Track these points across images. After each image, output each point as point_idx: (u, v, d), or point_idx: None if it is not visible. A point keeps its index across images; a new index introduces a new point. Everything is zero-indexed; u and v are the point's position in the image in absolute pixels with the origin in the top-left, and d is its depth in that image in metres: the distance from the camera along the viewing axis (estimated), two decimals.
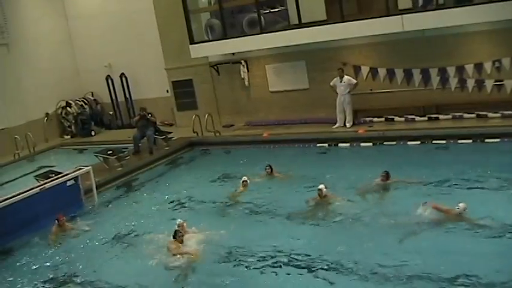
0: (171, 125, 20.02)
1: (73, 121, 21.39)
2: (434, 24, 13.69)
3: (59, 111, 21.73)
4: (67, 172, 12.56)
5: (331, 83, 15.71)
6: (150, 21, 19.38)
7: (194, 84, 19.24)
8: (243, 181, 12.13)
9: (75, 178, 12.33)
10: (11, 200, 10.84)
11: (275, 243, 9.24)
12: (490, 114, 14.10)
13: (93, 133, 21.25)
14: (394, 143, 14.22)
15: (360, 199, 10.71)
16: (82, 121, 21.32)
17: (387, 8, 14.09)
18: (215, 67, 18.58)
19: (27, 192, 11.20)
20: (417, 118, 15.03)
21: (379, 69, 15.77)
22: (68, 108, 21.47)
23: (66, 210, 11.86)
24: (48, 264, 9.87)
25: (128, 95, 21.59)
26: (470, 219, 8.85)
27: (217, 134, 17.28)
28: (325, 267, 8.26)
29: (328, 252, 8.67)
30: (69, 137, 21.51)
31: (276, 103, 17.79)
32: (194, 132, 17.17)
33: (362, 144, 14.67)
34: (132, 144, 16.50)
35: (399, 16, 13.88)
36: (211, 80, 18.87)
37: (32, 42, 20.93)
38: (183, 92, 19.47)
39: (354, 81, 15.56)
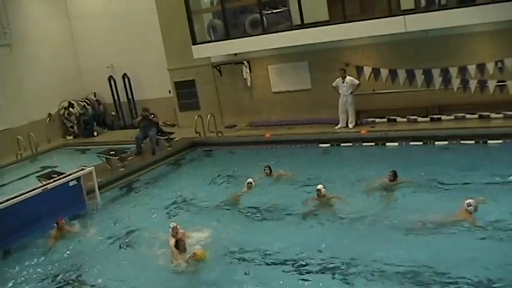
0: (173, 125, 20.02)
1: (75, 121, 21.41)
2: (436, 25, 13.67)
3: (62, 111, 21.76)
4: (69, 172, 12.56)
5: (334, 84, 15.69)
6: (153, 22, 19.37)
7: (196, 85, 19.23)
8: (248, 183, 12.10)
9: (78, 178, 12.34)
10: (13, 200, 10.84)
11: (276, 243, 9.27)
12: (493, 115, 14.06)
13: (95, 133, 21.26)
14: (396, 143, 14.20)
15: (365, 199, 10.70)
16: (84, 121, 21.35)
17: (390, 8, 14.06)
18: (217, 68, 18.57)
19: (30, 193, 11.20)
20: (419, 119, 15.00)
21: (381, 70, 15.75)
22: (71, 109, 21.50)
23: (69, 210, 11.91)
24: (49, 265, 9.88)
25: (130, 96, 21.61)
26: (475, 220, 8.85)
27: (220, 135, 17.28)
28: (326, 267, 8.26)
29: (328, 252, 8.68)
30: (71, 137, 21.54)
31: (278, 104, 17.79)
32: (196, 132, 17.16)
33: (364, 144, 14.65)
34: (134, 145, 16.52)
35: (402, 16, 13.85)
36: (214, 81, 18.87)
37: (34, 43, 20.97)
38: (186, 93, 19.47)
39: (357, 81, 15.54)
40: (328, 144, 15.14)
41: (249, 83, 18.09)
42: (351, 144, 14.85)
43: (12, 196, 11.04)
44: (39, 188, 11.58)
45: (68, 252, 10.32)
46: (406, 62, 15.32)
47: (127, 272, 9.25)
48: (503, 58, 14.08)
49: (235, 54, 17.76)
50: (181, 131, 18.60)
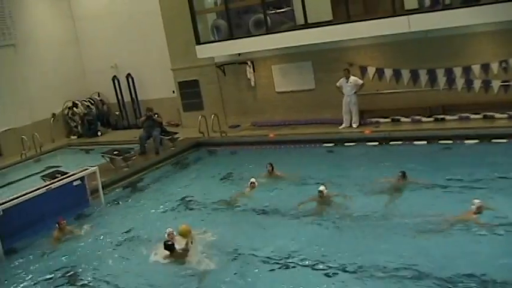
0: (177, 125, 20.04)
1: (79, 121, 21.46)
2: (440, 25, 13.63)
3: (66, 111, 21.81)
4: (73, 172, 12.61)
5: (338, 84, 15.68)
6: (157, 22, 19.41)
7: (200, 85, 19.25)
8: (251, 183, 12.11)
9: (82, 178, 12.38)
10: (17, 200, 10.86)
11: (278, 243, 9.27)
12: (497, 115, 14.02)
13: (99, 133, 21.32)
14: (400, 143, 14.17)
15: (371, 198, 10.66)
16: (88, 121, 21.40)
17: (393, 8, 14.04)
18: (221, 68, 18.58)
19: (34, 192, 11.23)
20: (423, 119, 14.96)
21: (385, 70, 15.72)
22: (75, 109, 21.55)
23: (73, 210, 11.93)
24: (51, 264, 9.90)
25: (134, 96, 21.64)
26: (479, 220, 8.83)
27: (224, 135, 17.28)
28: (327, 267, 8.26)
29: (329, 251, 8.69)
30: (75, 137, 21.60)
31: (282, 104, 17.78)
32: (200, 132, 17.16)
33: (368, 144, 14.62)
34: (138, 145, 16.55)
35: (405, 16, 13.83)
36: (218, 81, 18.88)
37: (38, 43, 21.05)
38: (189, 93, 19.49)
39: (360, 81, 15.53)
40: (332, 144, 15.11)
41: (252, 83, 18.10)
42: (354, 144, 14.82)
43: (16, 196, 11.07)
44: (43, 187, 11.61)
45: (70, 252, 10.32)
46: (410, 62, 15.30)
47: (129, 272, 9.25)
48: (507, 58, 14.05)
49: (239, 54, 17.77)
50: (185, 131, 18.61)
